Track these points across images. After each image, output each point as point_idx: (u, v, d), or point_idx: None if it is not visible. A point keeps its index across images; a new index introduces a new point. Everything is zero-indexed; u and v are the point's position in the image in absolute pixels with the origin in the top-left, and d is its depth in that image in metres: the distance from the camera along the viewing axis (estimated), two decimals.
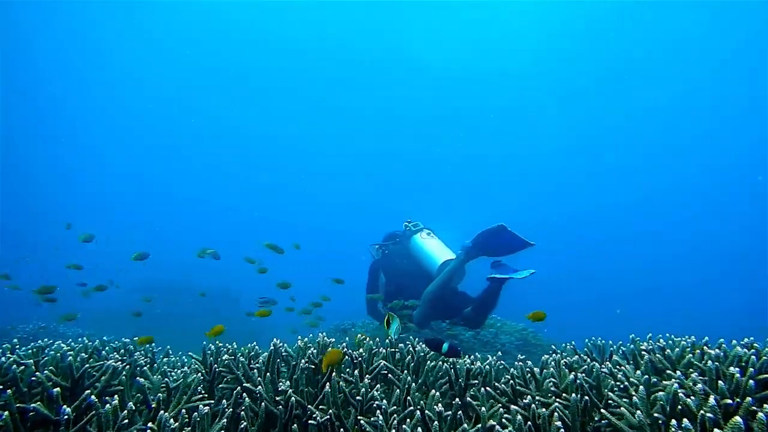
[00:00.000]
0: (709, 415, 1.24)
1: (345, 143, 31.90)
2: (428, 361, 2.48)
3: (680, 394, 1.33)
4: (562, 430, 1.49)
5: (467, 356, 2.57)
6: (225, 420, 1.88)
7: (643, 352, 1.93)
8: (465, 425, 1.83)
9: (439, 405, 1.87)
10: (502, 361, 2.42)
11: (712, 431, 1.20)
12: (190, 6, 24.82)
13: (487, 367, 2.27)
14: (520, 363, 2.52)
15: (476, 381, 2.24)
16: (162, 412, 1.83)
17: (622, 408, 1.44)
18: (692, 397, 1.39)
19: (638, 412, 1.32)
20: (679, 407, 1.37)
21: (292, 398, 2.03)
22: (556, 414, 1.59)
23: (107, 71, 26.51)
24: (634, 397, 1.38)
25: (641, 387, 1.43)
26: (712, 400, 1.26)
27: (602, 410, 1.50)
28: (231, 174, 32.47)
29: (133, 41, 25.76)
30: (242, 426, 1.92)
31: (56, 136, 27.76)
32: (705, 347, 1.86)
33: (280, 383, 2.20)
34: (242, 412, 1.99)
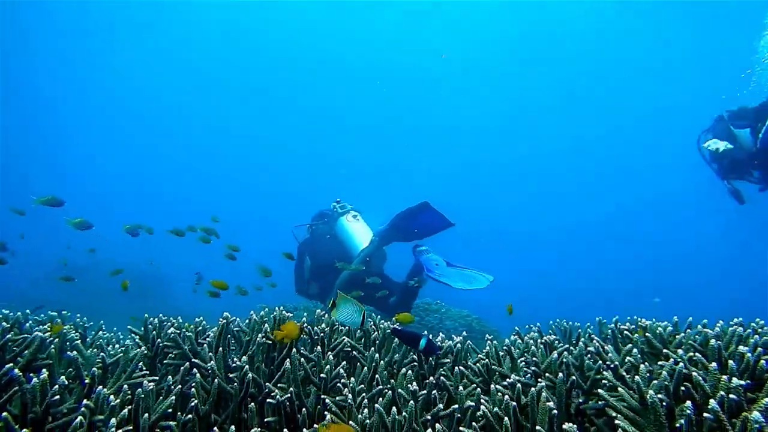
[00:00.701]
0: (732, 396, 1.16)
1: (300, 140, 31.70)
2: (395, 339, 2.34)
3: (695, 375, 1.24)
4: (555, 411, 1.39)
5: (438, 335, 2.45)
6: (173, 397, 1.68)
7: (626, 332, 1.87)
8: (440, 405, 1.71)
9: (413, 384, 1.74)
10: (470, 342, 2.32)
11: (738, 415, 1.12)
12: (186, 7, 24.46)
13: (459, 345, 2.16)
14: (492, 341, 2.43)
15: (447, 360, 2.13)
16: (100, 387, 1.61)
17: (620, 389, 1.35)
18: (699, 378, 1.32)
19: (650, 392, 1.22)
20: (683, 389, 1.30)
21: (249, 375, 1.85)
22: (544, 394, 1.49)
23: (101, 70, 26.02)
24: (636, 377, 1.29)
25: (642, 366, 1.35)
26: (735, 380, 1.18)
27: (600, 391, 1.41)
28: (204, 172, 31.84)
29: (129, 41, 25.44)
30: (192, 404, 1.73)
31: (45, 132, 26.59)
32: (700, 326, 1.81)
33: (234, 361, 2.01)
34: (192, 390, 1.79)
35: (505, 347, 1.95)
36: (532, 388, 1.48)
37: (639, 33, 23.67)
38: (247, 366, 1.88)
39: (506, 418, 1.41)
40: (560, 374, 1.56)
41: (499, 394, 1.64)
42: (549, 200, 31.39)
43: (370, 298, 5.05)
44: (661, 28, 22.97)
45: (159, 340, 2.21)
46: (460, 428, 1.59)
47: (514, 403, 1.49)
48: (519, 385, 1.57)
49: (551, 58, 26.26)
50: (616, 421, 1.21)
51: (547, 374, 1.71)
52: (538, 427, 1.37)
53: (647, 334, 1.77)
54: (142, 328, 2.30)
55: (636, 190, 29.57)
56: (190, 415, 1.69)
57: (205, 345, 2.16)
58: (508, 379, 1.71)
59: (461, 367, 1.91)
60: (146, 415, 1.56)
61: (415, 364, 2.21)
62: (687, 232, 28.60)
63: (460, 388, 1.75)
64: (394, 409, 1.56)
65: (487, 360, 1.94)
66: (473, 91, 28.85)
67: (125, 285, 4.67)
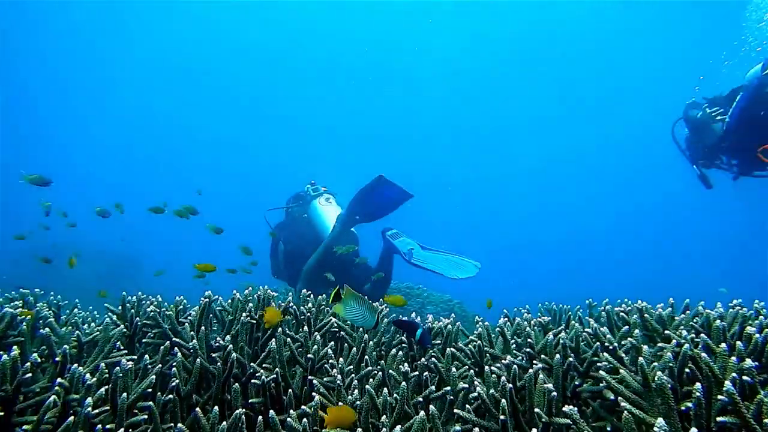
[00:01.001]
0: (746, 378, 1.12)
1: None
2: (382, 319, 2.29)
3: (704, 356, 1.20)
4: (554, 393, 1.34)
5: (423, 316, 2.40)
6: (153, 377, 1.60)
7: (621, 314, 1.83)
8: (432, 387, 1.66)
9: (405, 365, 1.68)
10: (459, 323, 2.27)
11: (752, 398, 1.08)
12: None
13: (449, 327, 2.11)
14: (484, 323, 2.39)
15: (437, 342, 2.08)
16: (75, 366, 1.53)
17: (621, 371, 1.31)
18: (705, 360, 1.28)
19: (659, 374, 1.18)
20: (687, 371, 1.27)
21: (233, 354, 1.77)
22: (541, 376, 1.44)
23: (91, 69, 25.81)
24: (640, 359, 1.25)
25: (645, 348, 1.30)
26: (749, 361, 1.14)
27: (601, 373, 1.37)
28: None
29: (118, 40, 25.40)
30: (173, 384, 1.65)
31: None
32: (701, 307, 1.78)
33: (217, 341, 1.94)
34: (173, 369, 1.71)
35: (497, 328, 1.91)
36: (530, 369, 1.43)
37: (639, 33, 23.75)
38: (230, 345, 1.80)
39: (503, 401, 1.36)
40: (557, 356, 1.52)
41: (494, 375, 1.60)
42: (547, 199, 31.56)
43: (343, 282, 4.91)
44: (663, 28, 23.06)
45: (137, 318, 2.12)
46: (454, 410, 1.54)
47: (510, 385, 1.45)
48: (515, 366, 1.52)
49: (546, 58, 26.39)
50: (622, 404, 1.17)
51: (542, 356, 1.67)
52: (536, 410, 1.32)
53: (645, 315, 1.74)
54: (120, 307, 2.21)
55: (634, 189, 29.85)
56: (170, 396, 1.62)
57: (186, 324, 2.08)
58: (503, 361, 1.66)
59: (452, 349, 1.86)
60: (124, 394, 1.48)
61: (404, 345, 2.16)
62: (686, 232, 28.90)
63: (453, 369, 1.70)
64: (385, 390, 1.51)
65: (479, 341, 1.89)
66: (465, 92, 28.92)
67: (72, 263, 4.56)
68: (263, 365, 1.90)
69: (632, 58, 25.00)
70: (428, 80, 28.68)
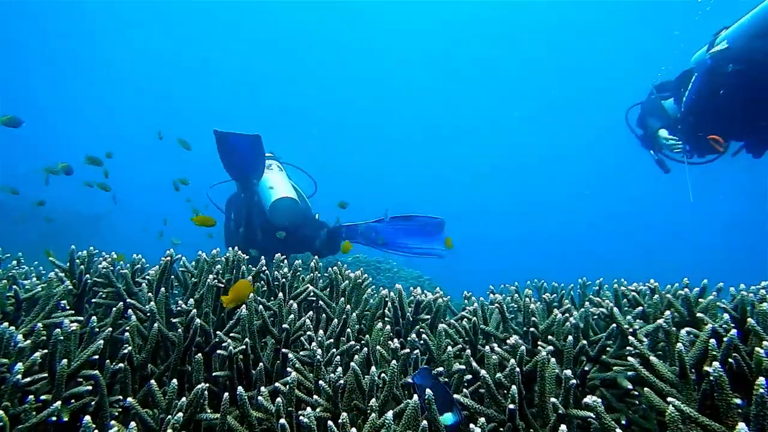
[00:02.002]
0: None
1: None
2: (365, 289, 2.09)
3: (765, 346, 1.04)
4: (574, 381, 1.17)
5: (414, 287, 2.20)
6: (101, 342, 1.38)
7: (633, 294, 1.68)
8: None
9: (396, 341, 1.50)
10: (449, 297, 2.09)
11: None
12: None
13: (440, 301, 1.93)
14: (474, 298, 2.22)
15: (426, 317, 1.89)
16: (5, 324, 1.29)
17: (651, 358, 1.15)
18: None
19: (716, 364, 1.01)
20: (731, 361, 1.11)
21: (196, 321, 1.56)
22: (553, 360, 1.27)
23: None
24: (679, 345, 1.08)
25: (683, 332, 1.14)
26: None
27: (630, 360, 1.20)
28: None
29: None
30: (125, 351, 1.43)
31: None
32: (733, 289, 1.63)
33: (179, 305, 1.71)
34: (126, 335, 1.49)
35: (495, 304, 1.73)
36: (542, 352, 1.26)
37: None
38: (194, 310, 1.59)
39: (513, 387, 1.18)
40: (569, 338, 1.35)
41: (494, 357, 1.42)
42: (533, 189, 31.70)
43: (292, 245, 4.79)
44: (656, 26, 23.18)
45: (87, 275, 1.88)
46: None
47: (518, 369, 1.28)
48: (523, 348, 1.35)
49: (541, 56, 26.45)
50: (669, 399, 1.00)
51: (550, 338, 1.50)
52: (552, 400, 1.15)
53: (669, 296, 1.58)
54: (68, 263, 1.96)
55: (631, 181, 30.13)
56: (121, 365, 1.40)
57: (143, 285, 1.85)
58: (509, 341, 1.49)
59: (444, 325, 1.68)
60: (65, 361, 1.26)
61: (388, 318, 1.98)
62: (685, 227, 29.31)
63: (450, 349, 1.52)
64: (373, 369, 1.32)
65: (474, 318, 1.71)
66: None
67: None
68: (230, 334, 1.69)
69: (622, 53, 25.20)
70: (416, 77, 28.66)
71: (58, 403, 1.18)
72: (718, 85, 3.75)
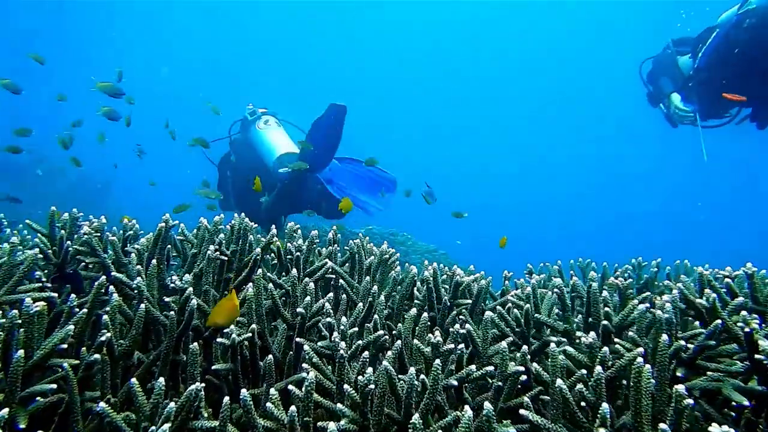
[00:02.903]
0: None
1: None
2: (391, 266, 1.81)
3: None
4: (689, 401, 0.88)
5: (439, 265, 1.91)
6: (71, 327, 1.10)
7: (728, 280, 1.37)
8: (472, 367, 1.20)
9: (437, 334, 1.21)
10: (490, 278, 1.80)
11: None
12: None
13: (482, 282, 1.63)
14: (518, 280, 1.93)
15: (466, 301, 1.61)
16: None
17: None
18: None
19: None
20: None
21: (193, 301, 1.28)
22: (648, 367, 0.98)
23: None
24: None
25: None
26: None
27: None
28: None
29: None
30: (102, 339, 1.16)
31: None
32: None
33: (174, 281, 1.44)
34: (105, 317, 1.21)
35: (555, 290, 1.43)
36: (639, 357, 0.96)
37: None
38: (190, 288, 1.31)
39: (604, 405, 0.89)
40: (664, 336, 1.05)
41: (561, 357, 1.13)
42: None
43: (296, 203, 4.68)
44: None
45: (69, 242, 1.60)
46: (510, 403, 1.09)
47: (603, 374, 0.99)
48: (606, 350, 1.06)
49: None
50: None
51: (631, 334, 1.20)
52: (661, 426, 0.86)
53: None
54: (48, 227, 1.69)
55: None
56: (97, 356, 1.13)
57: (133, 255, 1.57)
58: (583, 339, 1.20)
59: (492, 314, 1.38)
60: (21, 352, 0.99)
61: (418, 302, 1.69)
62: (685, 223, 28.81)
63: (503, 344, 1.23)
64: (412, 371, 1.04)
65: (526, 305, 1.42)
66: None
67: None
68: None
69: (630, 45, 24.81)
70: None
71: (6, 410, 0.91)
72: (735, 44, 3.65)
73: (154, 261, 1.45)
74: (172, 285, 1.40)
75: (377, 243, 6.20)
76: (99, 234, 1.72)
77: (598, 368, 0.99)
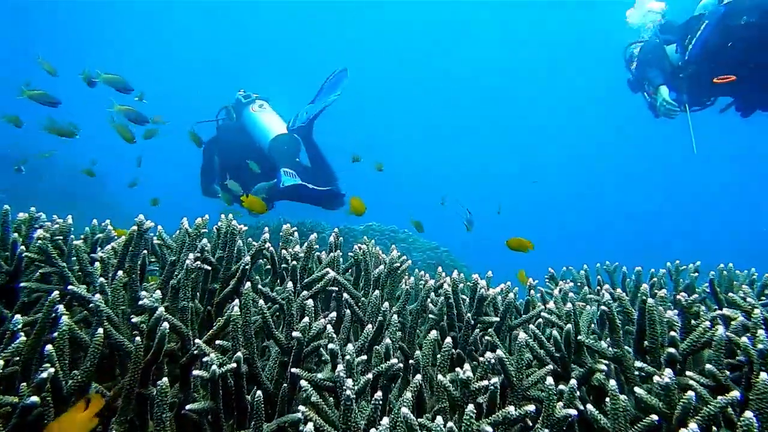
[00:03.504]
0: None
1: None
2: (401, 275, 1.56)
3: None
4: None
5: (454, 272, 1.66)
6: (2, 361, 0.86)
7: None
8: (510, 409, 0.95)
9: (466, 369, 0.97)
10: (516, 289, 1.55)
11: None
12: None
13: (510, 296, 1.39)
14: (549, 290, 1.69)
15: (493, 318, 1.36)
16: None
17: None
18: None
19: None
20: None
21: (164, 324, 1.04)
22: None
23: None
24: None
25: None
26: None
27: None
28: None
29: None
30: (44, 375, 0.91)
31: None
32: None
33: (146, 295, 1.19)
34: (49, 347, 0.96)
35: (604, 305, 1.19)
36: (697, 386, 0.72)
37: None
38: (161, 308, 1.06)
39: None
40: (763, 374, 0.82)
41: (621, 398, 0.89)
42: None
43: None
44: None
45: (23, 248, 1.35)
46: None
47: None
48: (692, 394, 0.82)
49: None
50: None
51: (709, 367, 0.96)
52: None
53: None
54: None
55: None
56: (34, 398, 0.88)
57: (97, 264, 1.32)
58: (657, 379, 0.95)
59: (525, 335, 1.14)
60: None
61: (433, 316, 1.45)
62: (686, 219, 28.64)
63: (549, 380, 0.98)
64: (439, 420, 0.79)
65: (568, 325, 1.18)
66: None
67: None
68: (217, 342, 1.17)
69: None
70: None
71: None
72: (728, 37, 3.59)
73: (120, 272, 1.21)
74: (144, 300, 1.16)
75: (378, 240, 6.04)
76: (63, 237, 1.47)
77: (693, 427, 0.75)
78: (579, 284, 2.04)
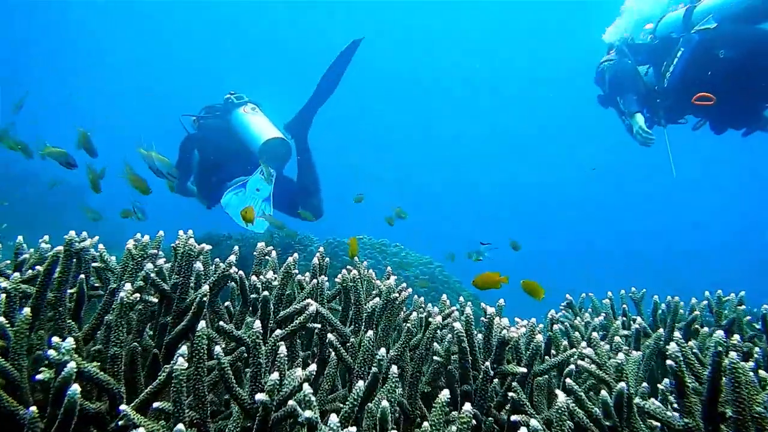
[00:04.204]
0: None
1: None
2: (399, 307, 1.26)
3: None
4: None
5: (461, 302, 1.36)
6: None
7: None
8: None
9: None
10: (540, 326, 1.26)
11: None
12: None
13: (538, 338, 1.10)
14: (587, 330, 1.41)
15: (518, 370, 1.07)
16: None
17: None
18: None
19: None
20: None
21: (74, 386, 0.74)
22: None
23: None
24: None
25: None
26: None
27: None
28: None
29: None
30: None
31: None
32: None
33: (56, 343, 0.89)
34: None
35: (671, 359, 0.90)
36: None
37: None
38: (72, 364, 0.76)
39: None
40: None
41: None
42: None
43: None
44: None
45: None
46: None
47: None
48: None
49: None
50: None
51: None
52: None
53: None
54: None
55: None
56: None
57: (2, 296, 1.01)
58: None
59: (565, 397, 0.85)
60: None
61: (438, 358, 1.15)
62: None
63: None
64: None
65: (620, 384, 0.89)
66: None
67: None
68: (155, 404, 0.86)
69: None
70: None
71: None
72: (705, 68, 3.56)
73: (26, 309, 0.90)
74: (53, 353, 0.85)
75: (368, 254, 5.75)
76: None
77: None
78: (604, 314, 1.75)
